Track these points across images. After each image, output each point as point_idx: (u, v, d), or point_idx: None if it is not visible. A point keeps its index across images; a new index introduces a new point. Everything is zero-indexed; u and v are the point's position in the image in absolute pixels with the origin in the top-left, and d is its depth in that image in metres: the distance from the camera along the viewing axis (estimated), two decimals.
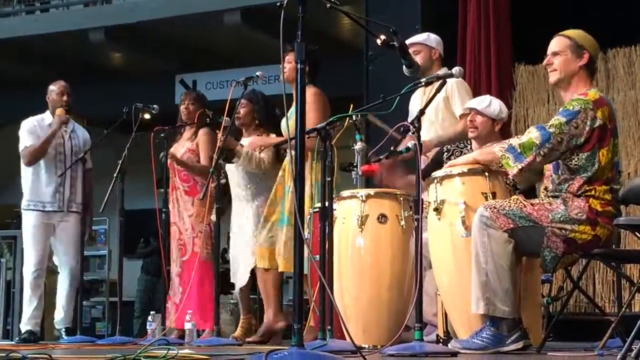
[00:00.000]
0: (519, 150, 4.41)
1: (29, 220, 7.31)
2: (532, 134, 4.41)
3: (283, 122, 6.37)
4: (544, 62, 4.63)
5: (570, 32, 4.59)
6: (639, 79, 7.60)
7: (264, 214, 6.40)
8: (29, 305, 7.18)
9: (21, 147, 7.36)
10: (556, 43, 4.57)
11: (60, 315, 7.31)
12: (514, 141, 4.48)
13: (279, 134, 6.61)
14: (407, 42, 5.97)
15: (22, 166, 7.40)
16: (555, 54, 4.56)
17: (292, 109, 3.54)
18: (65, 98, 7.43)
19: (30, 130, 7.36)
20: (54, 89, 7.52)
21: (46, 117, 7.46)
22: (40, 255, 7.26)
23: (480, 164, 4.73)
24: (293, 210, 6.18)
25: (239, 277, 6.73)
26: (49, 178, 7.31)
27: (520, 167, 4.41)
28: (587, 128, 4.34)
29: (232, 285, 6.97)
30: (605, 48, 7.59)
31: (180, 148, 7.11)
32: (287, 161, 6.34)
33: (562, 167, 4.44)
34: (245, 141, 6.74)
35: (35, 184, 7.32)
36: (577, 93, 4.47)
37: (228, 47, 12.50)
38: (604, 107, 4.40)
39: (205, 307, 6.79)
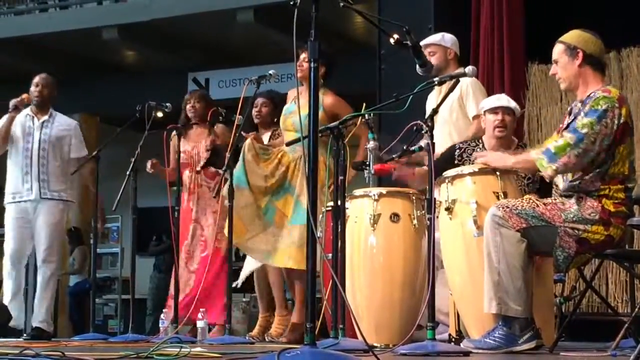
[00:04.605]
0: (553, 151, 4.38)
1: (7, 213, 7.31)
2: (567, 136, 4.38)
3: (291, 118, 6.37)
4: (550, 72, 4.66)
5: (564, 36, 4.59)
6: None
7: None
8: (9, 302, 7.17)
9: None
10: (554, 51, 4.59)
11: (34, 314, 7.27)
12: (551, 144, 4.43)
13: None
14: (422, 43, 5.98)
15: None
16: (556, 62, 4.58)
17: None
18: (39, 89, 7.38)
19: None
20: (33, 80, 7.48)
21: (27, 109, 7.43)
22: (13, 249, 7.25)
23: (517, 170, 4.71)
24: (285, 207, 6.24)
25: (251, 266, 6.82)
26: (16, 169, 7.30)
27: (554, 167, 4.37)
28: (614, 127, 4.34)
29: (251, 283, 6.99)
30: (618, 47, 7.58)
31: (201, 146, 7.13)
32: (288, 155, 6.32)
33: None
34: (265, 137, 6.81)
35: (9, 177, 7.34)
36: (590, 90, 4.46)
37: (241, 45, 12.52)
38: (626, 105, 4.42)
39: (217, 302, 6.83)
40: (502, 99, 5.46)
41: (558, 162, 4.36)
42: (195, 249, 7.09)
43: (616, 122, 4.34)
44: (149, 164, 7.01)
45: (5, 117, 7.27)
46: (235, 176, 6.22)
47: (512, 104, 5.41)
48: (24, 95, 7.30)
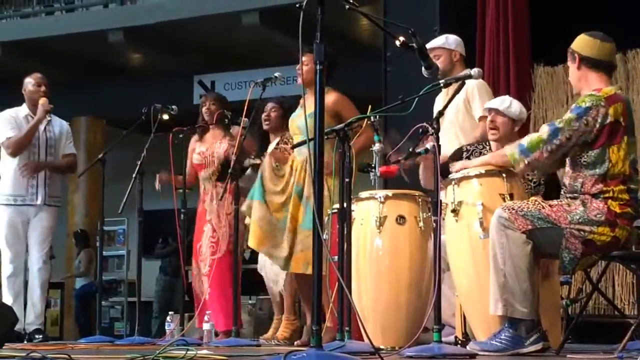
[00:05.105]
0: (526, 146, 4.44)
1: (3, 216, 7.22)
2: (542, 130, 4.45)
3: (297, 122, 6.37)
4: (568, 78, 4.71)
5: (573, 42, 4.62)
6: None
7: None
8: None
9: (2, 138, 7.24)
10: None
11: (29, 317, 7.20)
12: (524, 139, 4.51)
13: None
14: (426, 47, 5.99)
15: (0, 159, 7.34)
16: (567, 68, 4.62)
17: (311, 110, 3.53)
18: (43, 89, 7.33)
19: (9, 121, 7.27)
20: (30, 81, 7.39)
21: (21, 110, 7.36)
22: (14, 253, 7.19)
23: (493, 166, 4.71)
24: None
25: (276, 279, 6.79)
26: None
27: (526, 162, 4.44)
28: (597, 125, 4.34)
29: (257, 285, 6.97)
30: (624, 49, 7.57)
31: (216, 147, 7.10)
32: (298, 162, 6.32)
33: (573, 163, 4.44)
34: (273, 144, 6.80)
35: (9, 179, 7.24)
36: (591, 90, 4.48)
37: (246, 47, 12.52)
38: (617, 104, 4.39)
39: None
40: (496, 101, 5.44)
41: (530, 157, 4.44)
42: (207, 251, 7.06)
43: (599, 120, 4.34)
44: (157, 180, 7.01)
45: (33, 122, 7.21)
46: (255, 195, 6.29)
47: (504, 105, 5.32)
48: (45, 101, 7.26)
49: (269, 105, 6.91)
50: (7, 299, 7.03)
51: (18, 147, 7.20)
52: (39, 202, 7.21)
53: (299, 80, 6.12)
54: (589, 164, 4.37)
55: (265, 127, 6.93)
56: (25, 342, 6.92)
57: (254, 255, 7.06)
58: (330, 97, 6.09)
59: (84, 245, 13.42)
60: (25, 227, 7.23)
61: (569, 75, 4.65)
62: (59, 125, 7.50)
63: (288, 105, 6.88)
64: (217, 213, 7.02)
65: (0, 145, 7.24)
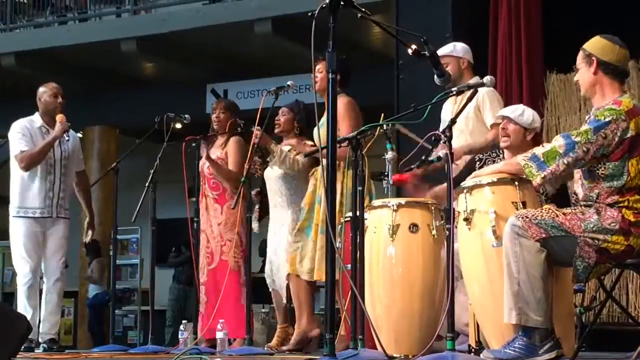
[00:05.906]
0: (542, 159, 4.39)
1: (20, 228, 7.13)
2: (557, 142, 4.39)
3: (315, 130, 6.40)
4: (575, 79, 4.65)
5: (586, 43, 4.56)
6: None
7: (298, 222, 6.43)
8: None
9: (15, 150, 7.12)
10: (577, 58, 4.58)
11: (45, 326, 7.09)
12: (538, 150, 4.45)
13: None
14: None
15: (13, 172, 7.22)
16: (577, 69, 4.57)
17: (324, 118, 3.55)
18: (60, 100, 7.21)
19: (24, 133, 7.15)
20: (46, 90, 7.25)
21: (35, 120, 7.23)
22: (33, 266, 7.08)
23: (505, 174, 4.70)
24: (324, 219, 6.22)
25: (277, 282, 6.77)
26: (38, 184, 7.12)
27: (542, 175, 4.38)
28: (616, 139, 4.30)
29: (264, 294, 6.97)
30: (637, 56, 7.54)
31: (212, 155, 7.11)
32: (318, 169, 6.34)
33: (590, 174, 4.42)
34: (285, 148, 6.81)
35: (24, 190, 7.13)
36: (606, 99, 4.44)
37: (259, 56, 12.55)
38: (638, 117, 4.35)
39: (233, 316, 6.77)
40: (508, 109, 5.41)
41: (546, 171, 4.37)
42: (203, 260, 7.06)
43: (619, 134, 4.30)
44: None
45: (49, 139, 7.09)
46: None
47: (516, 113, 5.29)
48: (62, 118, 7.18)
49: (281, 109, 6.92)
50: (27, 310, 6.97)
51: (31, 163, 7.08)
52: (54, 214, 7.14)
53: (316, 86, 6.11)
54: (607, 177, 4.35)
55: (276, 129, 6.93)
56: (42, 350, 6.91)
57: (264, 264, 7.07)
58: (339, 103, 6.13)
59: (95, 255, 13.44)
60: (42, 238, 7.20)
61: (577, 77, 4.57)
62: (72, 138, 7.39)
63: (298, 109, 6.89)
64: (209, 223, 7.02)
65: (14, 157, 7.19)
